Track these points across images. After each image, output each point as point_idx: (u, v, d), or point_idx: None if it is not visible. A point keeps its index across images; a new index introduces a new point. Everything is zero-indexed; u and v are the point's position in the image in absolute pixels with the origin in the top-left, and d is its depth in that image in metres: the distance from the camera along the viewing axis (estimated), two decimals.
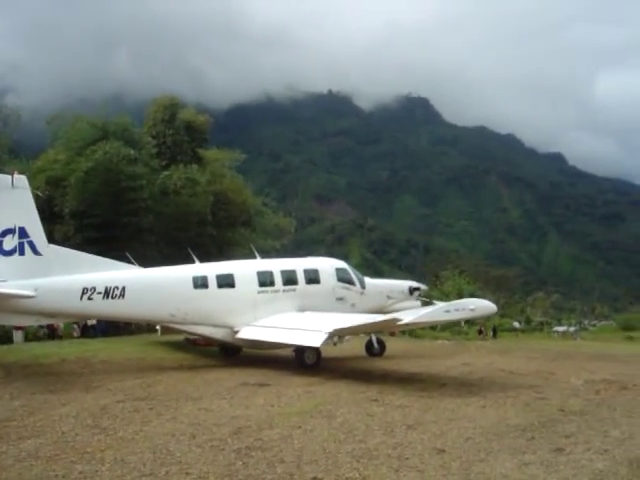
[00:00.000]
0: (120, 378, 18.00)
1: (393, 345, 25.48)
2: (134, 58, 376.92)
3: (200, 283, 21.28)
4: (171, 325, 22.54)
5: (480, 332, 56.78)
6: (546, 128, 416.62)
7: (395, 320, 17.75)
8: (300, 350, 19.43)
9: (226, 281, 21.63)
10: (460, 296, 50.87)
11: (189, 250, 24.45)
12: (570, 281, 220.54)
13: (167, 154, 47.10)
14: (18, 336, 31.67)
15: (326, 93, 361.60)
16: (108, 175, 39.98)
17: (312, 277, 22.66)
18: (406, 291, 24.82)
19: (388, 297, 23.93)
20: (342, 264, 24.19)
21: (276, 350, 21.99)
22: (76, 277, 19.63)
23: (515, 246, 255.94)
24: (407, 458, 9.49)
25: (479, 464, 9.19)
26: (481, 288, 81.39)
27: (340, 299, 22.71)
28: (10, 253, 19.05)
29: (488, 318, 49.04)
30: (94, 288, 19.48)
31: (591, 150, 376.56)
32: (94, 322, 34.09)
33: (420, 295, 25.48)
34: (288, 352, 20.72)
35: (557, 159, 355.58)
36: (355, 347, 24.75)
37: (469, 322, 52.52)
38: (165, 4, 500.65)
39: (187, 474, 8.81)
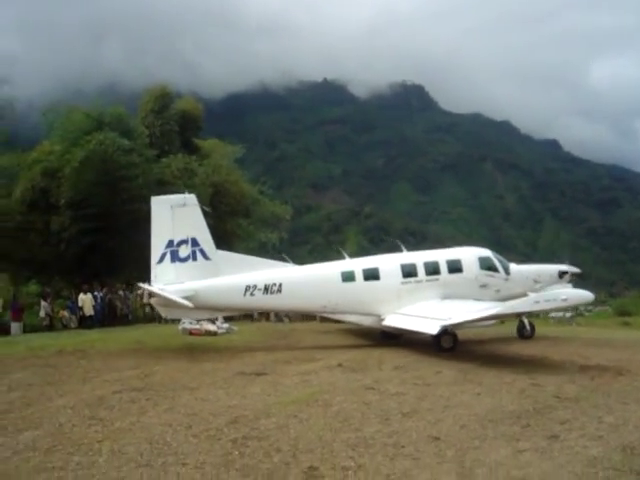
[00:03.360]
0: (117, 369, 18.03)
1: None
2: (127, 49, 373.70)
3: (348, 277, 23.39)
4: (324, 314, 26.66)
5: None
6: (541, 114, 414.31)
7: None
8: (437, 335, 20.03)
9: (372, 274, 23.59)
10: None
11: (340, 249, 27.47)
12: None
13: (159, 144, 46.87)
14: (15, 327, 31.66)
15: (321, 81, 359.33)
16: (103, 165, 39.64)
17: (455, 267, 24.10)
18: (555, 275, 26.23)
19: (535, 281, 24.92)
20: (486, 252, 25.36)
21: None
22: (240, 277, 22.65)
23: (511, 232, 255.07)
24: (403, 446, 9.56)
25: (474, 451, 9.26)
26: None
27: (483, 286, 24.10)
28: (185, 260, 22.58)
29: None
30: (255, 286, 22.39)
31: (586, 136, 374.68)
32: (92, 312, 34.00)
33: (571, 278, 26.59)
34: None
35: (552, 145, 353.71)
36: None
37: None
38: None
39: (183, 464, 8.86)
